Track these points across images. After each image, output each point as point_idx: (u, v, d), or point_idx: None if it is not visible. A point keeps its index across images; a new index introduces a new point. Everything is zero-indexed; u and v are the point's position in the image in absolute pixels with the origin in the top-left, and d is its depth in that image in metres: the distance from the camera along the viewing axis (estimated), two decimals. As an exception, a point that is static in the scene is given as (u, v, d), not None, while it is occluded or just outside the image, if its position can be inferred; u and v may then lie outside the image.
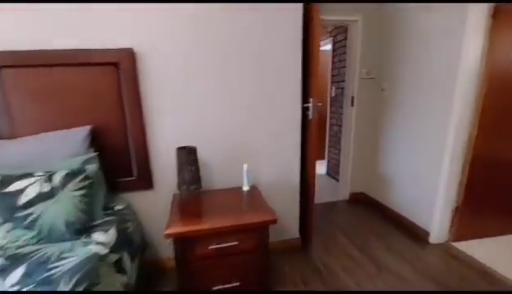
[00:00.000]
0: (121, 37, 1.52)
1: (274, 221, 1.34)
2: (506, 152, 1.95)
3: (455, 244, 2.07)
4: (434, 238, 2.10)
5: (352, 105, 2.73)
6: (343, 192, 3.08)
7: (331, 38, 3.48)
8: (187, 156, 1.53)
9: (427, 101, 2.08)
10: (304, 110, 1.89)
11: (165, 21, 1.55)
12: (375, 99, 2.69)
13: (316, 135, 1.89)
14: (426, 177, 2.14)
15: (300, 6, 1.71)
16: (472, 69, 1.79)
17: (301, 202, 2.09)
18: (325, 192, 3.27)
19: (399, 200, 2.46)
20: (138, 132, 1.64)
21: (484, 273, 1.78)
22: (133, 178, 1.74)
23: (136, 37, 1.54)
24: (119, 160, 1.68)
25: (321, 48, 4.07)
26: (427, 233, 2.14)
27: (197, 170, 1.60)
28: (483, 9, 1.70)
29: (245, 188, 1.71)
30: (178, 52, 1.61)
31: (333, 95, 3.58)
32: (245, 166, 1.68)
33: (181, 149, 1.53)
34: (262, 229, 1.38)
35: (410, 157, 2.30)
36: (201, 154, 1.76)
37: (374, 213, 2.67)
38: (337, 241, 2.21)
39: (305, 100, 1.88)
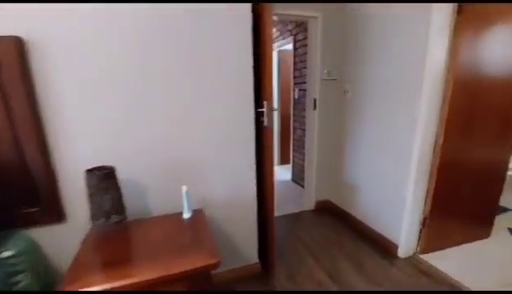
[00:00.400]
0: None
1: (215, 265, 1.03)
2: (470, 158, 1.86)
3: (424, 256, 1.94)
4: (403, 252, 1.95)
5: (315, 108, 2.53)
6: (308, 200, 2.87)
7: (292, 37, 3.28)
8: (102, 180, 1.16)
9: (392, 106, 1.93)
10: (258, 116, 1.61)
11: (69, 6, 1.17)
12: (338, 101, 2.52)
13: (271, 145, 1.61)
14: (393, 186, 1.99)
15: (247, 5, 1.44)
16: (438, 71, 1.65)
17: (259, 221, 1.81)
18: (290, 201, 3.04)
19: (366, 210, 2.30)
20: (35, 150, 1.22)
21: (451, 286, 1.66)
22: (36, 209, 1.31)
23: (27, 23, 1.13)
24: (13, 186, 1.25)
25: (283, 48, 3.86)
26: (395, 247, 1.98)
27: (119, 196, 1.24)
28: (448, 7, 1.57)
29: (186, 215, 1.38)
30: (87, 45, 1.23)
31: (296, 97, 3.38)
32: (184, 188, 1.35)
33: (91, 172, 1.15)
34: (200, 274, 1.06)
35: (375, 164, 2.14)
36: (126, 175, 1.39)
37: (341, 224, 2.49)
38: (303, 262, 1.96)
39: (259, 104, 1.61)
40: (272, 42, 1.56)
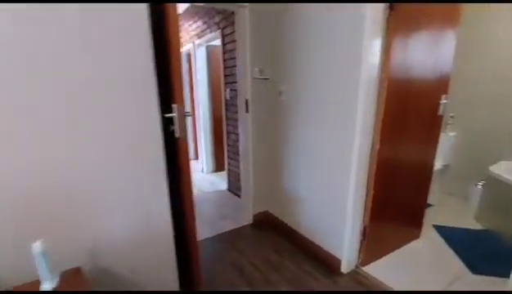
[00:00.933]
0: None
1: None
2: (403, 160, 1.82)
3: (365, 269, 1.82)
4: (345, 266, 1.79)
5: (248, 111, 2.22)
6: (245, 214, 2.55)
7: (220, 31, 2.91)
8: None
9: (328, 110, 1.74)
10: (168, 123, 1.18)
11: None
12: (272, 103, 2.26)
13: (186, 162, 1.22)
14: (333, 196, 1.81)
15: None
16: (373, 72, 1.51)
17: (179, 255, 1.39)
18: (225, 216, 2.67)
19: (308, 223, 2.10)
20: None
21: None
22: None
23: None
24: None
25: (212, 42, 3.47)
26: (338, 261, 1.81)
27: None
28: (380, 7, 1.44)
29: (47, 285, 0.86)
30: None
31: (227, 97, 3.03)
32: (37, 246, 0.83)
33: None
34: None
35: (314, 171, 1.95)
36: None
37: (282, 240, 2.24)
38: (237, 298, 1.61)
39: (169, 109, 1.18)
40: (179, 35, 1.21)
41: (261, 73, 2.17)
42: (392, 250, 1.98)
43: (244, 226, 2.50)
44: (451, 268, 1.80)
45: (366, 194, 1.73)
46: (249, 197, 2.47)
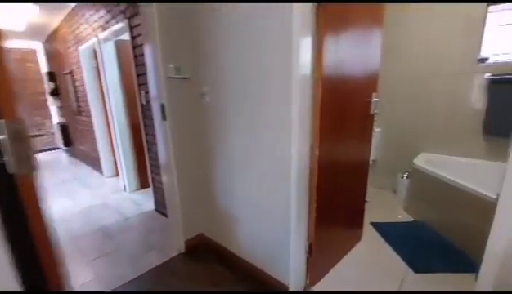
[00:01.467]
0: None
1: None
2: (342, 163, 1.69)
3: (316, 287, 1.63)
4: (293, 290, 1.57)
5: (165, 118, 1.79)
6: (176, 240, 2.12)
7: (127, 21, 2.38)
8: None
9: (262, 115, 1.47)
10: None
11: None
12: (195, 107, 1.89)
13: (36, 206, 0.76)
14: (274, 213, 1.56)
15: None
16: (305, 73, 1.30)
17: None
18: (151, 246, 2.18)
19: (247, 245, 1.81)
20: None
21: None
22: None
23: None
24: None
25: (121, 37, 2.87)
26: (285, 287, 1.57)
27: None
28: (307, 6, 1.24)
29: None
30: None
31: (143, 102, 2.51)
32: None
33: None
34: None
35: (251, 186, 1.66)
36: None
37: (221, 267, 1.90)
38: None
39: None
40: None
41: (178, 71, 1.77)
42: (339, 259, 1.86)
43: (174, 257, 2.06)
44: (396, 269, 1.76)
45: (309, 206, 1.53)
46: (177, 219, 2.04)
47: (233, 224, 1.87)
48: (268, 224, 1.61)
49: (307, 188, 1.50)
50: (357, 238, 2.08)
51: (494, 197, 1.68)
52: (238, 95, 1.57)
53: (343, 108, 1.56)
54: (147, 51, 1.78)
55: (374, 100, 1.80)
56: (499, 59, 2.29)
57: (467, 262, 1.76)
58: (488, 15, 2.24)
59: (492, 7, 2.22)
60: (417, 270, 1.71)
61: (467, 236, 1.87)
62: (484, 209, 1.74)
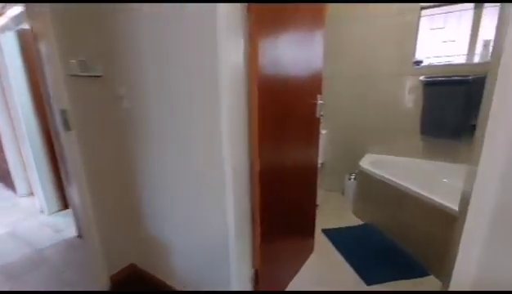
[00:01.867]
0: None
1: None
2: (288, 173, 1.52)
3: (263, 318, 1.43)
4: (238, 327, 1.34)
5: (69, 127, 1.40)
6: (99, 274, 1.71)
7: (24, 6, 1.88)
8: None
9: (190, 124, 1.21)
10: None
11: None
12: (111, 114, 1.53)
13: None
14: (211, 240, 1.31)
15: None
16: (238, 78, 1.09)
17: None
18: (68, 283, 1.73)
19: (184, 276, 1.53)
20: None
21: None
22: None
23: None
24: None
25: (25, 26, 2.31)
26: (228, 325, 1.34)
27: None
28: (236, 6, 1.04)
29: None
30: None
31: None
32: None
33: None
34: None
35: (185, 209, 1.39)
36: None
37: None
38: None
39: None
40: None
41: (84, 67, 1.40)
42: (291, 278, 1.69)
43: (95, 299, 1.67)
44: (349, 283, 1.66)
45: (253, 229, 1.32)
46: (96, 249, 1.65)
47: (167, 252, 1.57)
48: (206, 252, 1.36)
49: (249, 208, 1.29)
50: (310, 250, 1.95)
51: (435, 199, 1.70)
52: (161, 101, 1.28)
53: (286, 111, 1.38)
54: (40, 39, 1.37)
55: (319, 102, 1.67)
56: (432, 61, 2.41)
57: (415, 266, 1.74)
58: (421, 19, 2.32)
59: (424, 12, 2.31)
60: (368, 282, 1.63)
61: (413, 239, 1.88)
62: (425, 210, 1.75)
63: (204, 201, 1.27)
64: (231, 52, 1.05)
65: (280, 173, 1.43)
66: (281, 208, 1.50)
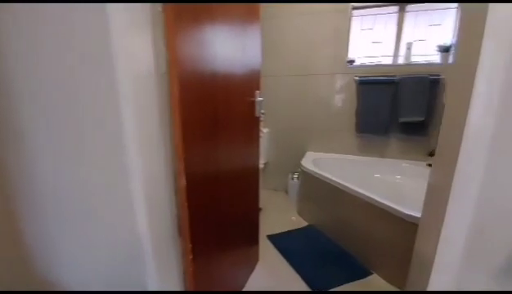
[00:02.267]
0: None
1: None
2: (224, 179, 1.32)
3: None
4: None
5: None
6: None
7: None
8: None
9: (86, 132, 0.89)
10: None
11: None
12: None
13: None
14: (125, 276, 1.02)
15: None
16: (147, 79, 0.83)
17: None
18: None
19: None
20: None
21: None
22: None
23: None
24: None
25: None
26: None
27: None
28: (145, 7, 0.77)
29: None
30: None
31: None
32: None
33: None
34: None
35: (87, 244, 1.05)
36: None
37: None
38: None
39: None
40: None
41: None
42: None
43: None
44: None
45: (182, 246, 1.08)
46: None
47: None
48: (120, 282, 1.06)
49: (175, 223, 1.05)
50: (255, 259, 1.80)
51: (372, 197, 1.72)
52: (41, 112, 0.92)
53: (218, 111, 1.17)
54: None
55: (258, 99, 1.52)
56: (364, 61, 2.50)
57: (358, 267, 1.74)
58: (352, 19, 2.38)
59: (355, 12, 2.37)
60: (316, 289, 1.55)
61: (353, 238, 1.89)
62: (361, 207, 1.76)
63: (113, 236, 0.97)
64: (139, 53, 0.79)
65: (214, 178, 1.22)
66: (218, 218, 1.29)
